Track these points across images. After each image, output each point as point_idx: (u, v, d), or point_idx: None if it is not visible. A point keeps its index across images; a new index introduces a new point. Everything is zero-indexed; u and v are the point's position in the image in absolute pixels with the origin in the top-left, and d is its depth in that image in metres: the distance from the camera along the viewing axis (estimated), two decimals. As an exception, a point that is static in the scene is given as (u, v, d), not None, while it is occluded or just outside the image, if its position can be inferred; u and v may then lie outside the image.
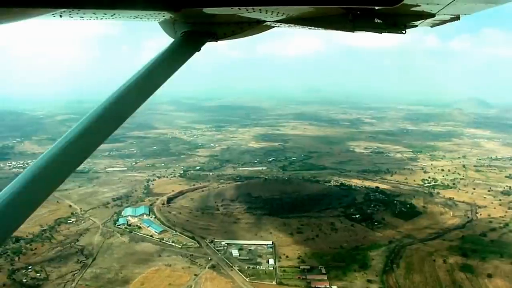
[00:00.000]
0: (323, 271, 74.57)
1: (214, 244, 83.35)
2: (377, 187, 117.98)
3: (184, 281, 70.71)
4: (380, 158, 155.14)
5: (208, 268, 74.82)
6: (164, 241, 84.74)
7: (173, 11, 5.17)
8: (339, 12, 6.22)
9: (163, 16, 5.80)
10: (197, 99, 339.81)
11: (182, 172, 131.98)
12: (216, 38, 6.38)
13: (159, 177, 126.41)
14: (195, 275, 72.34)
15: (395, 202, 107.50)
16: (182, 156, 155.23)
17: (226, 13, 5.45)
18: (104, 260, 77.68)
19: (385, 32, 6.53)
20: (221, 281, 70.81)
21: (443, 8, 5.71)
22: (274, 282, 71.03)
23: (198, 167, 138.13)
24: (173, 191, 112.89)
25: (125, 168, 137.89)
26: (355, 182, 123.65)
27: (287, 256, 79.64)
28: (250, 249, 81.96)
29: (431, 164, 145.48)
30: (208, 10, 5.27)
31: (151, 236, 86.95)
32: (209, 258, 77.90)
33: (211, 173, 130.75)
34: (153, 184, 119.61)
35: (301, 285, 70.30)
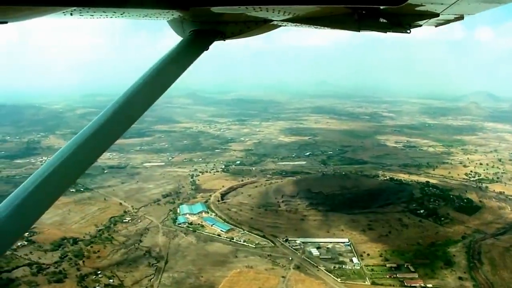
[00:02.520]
0: (411, 268, 72.21)
1: (289, 243, 79.68)
2: (428, 182, 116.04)
3: (274, 284, 66.97)
4: (415, 152, 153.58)
5: (293, 269, 71.19)
6: (234, 240, 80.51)
7: (182, 10, 5.16)
8: (344, 12, 6.19)
9: (172, 15, 5.79)
10: (210, 93, 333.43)
11: (223, 167, 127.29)
12: (224, 37, 6.35)
13: (201, 172, 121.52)
14: (283, 277, 68.60)
15: (451, 196, 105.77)
16: (217, 150, 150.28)
17: (234, 12, 5.42)
18: (178, 263, 73.01)
19: (390, 31, 6.51)
20: (313, 283, 67.38)
21: (447, 8, 5.66)
22: (367, 282, 68.07)
23: (237, 162, 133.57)
24: (223, 186, 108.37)
25: (163, 163, 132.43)
26: (402, 176, 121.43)
27: (368, 254, 76.78)
28: (327, 248, 78.76)
29: (467, 158, 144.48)
30: (216, 9, 5.22)
31: (219, 235, 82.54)
32: (290, 258, 74.26)
33: (253, 168, 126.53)
34: (198, 180, 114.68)
35: (395, 285, 67.58)
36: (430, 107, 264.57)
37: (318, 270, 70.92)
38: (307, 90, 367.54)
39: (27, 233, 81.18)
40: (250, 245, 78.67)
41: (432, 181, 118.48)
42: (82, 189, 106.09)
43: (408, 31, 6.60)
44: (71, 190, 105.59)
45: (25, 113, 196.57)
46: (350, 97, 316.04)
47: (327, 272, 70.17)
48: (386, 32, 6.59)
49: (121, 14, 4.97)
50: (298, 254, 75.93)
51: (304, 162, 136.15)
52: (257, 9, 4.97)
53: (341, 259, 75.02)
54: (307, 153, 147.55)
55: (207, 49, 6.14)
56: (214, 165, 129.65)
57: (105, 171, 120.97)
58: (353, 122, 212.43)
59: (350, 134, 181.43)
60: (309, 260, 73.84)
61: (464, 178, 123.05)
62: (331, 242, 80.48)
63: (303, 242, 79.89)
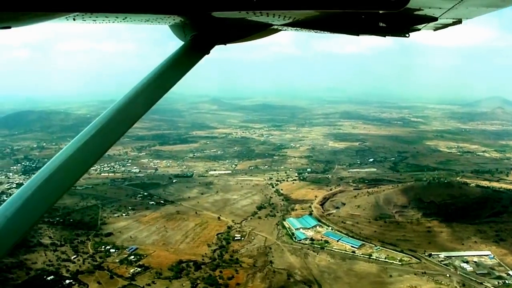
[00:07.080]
0: None
1: (433, 258, 72.04)
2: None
3: (452, 306, 58.91)
4: (474, 158, 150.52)
5: (460, 287, 63.49)
6: (374, 257, 71.82)
7: (183, 15, 5.26)
8: (344, 16, 6.13)
9: (173, 20, 5.76)
10: (229, 99, 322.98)
11: (297, 175, 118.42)
12: (225, 41, 6.22)
13: (279, 181, 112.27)
14: (457, 297, 60.73)
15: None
16: (275, 157, 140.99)
17: (235, 17, 5.46)
18: (334, 287, 63.32)
19: (389, 35, 6.56)
20: (494, 303, 59.84)
21: (445, 12, 5.71)
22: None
23: (309, 170, 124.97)
24: (316, 196, 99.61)
25: (229, 171, 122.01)
26: (483, 183, 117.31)
27: (521, 268, 70.36)
28: (475, 261, 71.73)
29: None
30: (217, 14, 5.27)
31: (353, 252, 73.58)
32: (447, 275, 66.55)
33: (329, 176, 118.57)
34: (281, 190, 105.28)
35: None
36: (452, 112, 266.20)
37: (486, 288, 63.68)
38: (319, 96, 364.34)
39: (133, 257, 69.57)
40: (394, 262, 70.34)
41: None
42: (162, 202, 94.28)
43: (407, 35, 6.61)
44: (151, 202, 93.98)
45: (53, 119, 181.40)
46: (366, 103, 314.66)
47: (499, 291, 63.00)
48: (385, 36, 6.53)
49: (123, 19, 4.97)
50: (452, 270, 68.40)
51: (374, 169, 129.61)
52: (258, 14, 4.99)
53: (497, 273, 68.27)
54: (371, 160, 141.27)
55: (208, 53, 5.99)
56: (286, 172, 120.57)
57: (174, 181, 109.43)
58: (390, 127, 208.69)
59: (396, 140, 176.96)
60: (468, 276, 66.49)
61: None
62: (474, 256, 73.65)
63: (447, 257, 72.54)
